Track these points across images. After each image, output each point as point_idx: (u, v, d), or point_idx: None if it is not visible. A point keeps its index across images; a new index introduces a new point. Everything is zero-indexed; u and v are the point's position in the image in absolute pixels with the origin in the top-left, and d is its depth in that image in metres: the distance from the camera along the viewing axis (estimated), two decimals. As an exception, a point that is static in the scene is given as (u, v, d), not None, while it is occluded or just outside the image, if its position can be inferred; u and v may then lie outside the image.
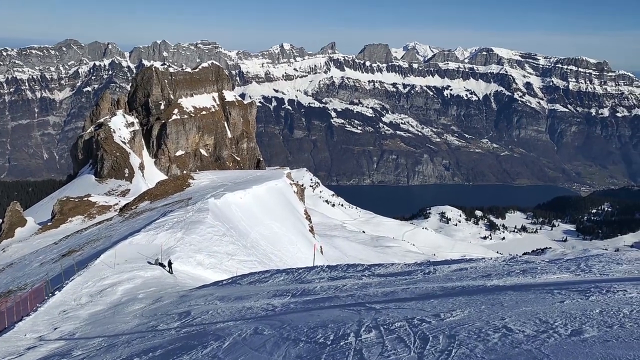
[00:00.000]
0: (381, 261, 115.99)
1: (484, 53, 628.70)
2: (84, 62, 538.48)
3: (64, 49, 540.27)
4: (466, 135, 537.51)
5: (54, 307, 17.22)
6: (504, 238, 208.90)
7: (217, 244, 28.20)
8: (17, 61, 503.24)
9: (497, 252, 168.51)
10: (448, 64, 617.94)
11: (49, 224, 67.18)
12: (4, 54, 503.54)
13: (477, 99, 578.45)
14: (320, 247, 58.19)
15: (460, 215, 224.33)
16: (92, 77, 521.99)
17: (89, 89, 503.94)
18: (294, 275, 13.98)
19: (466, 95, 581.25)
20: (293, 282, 13.02)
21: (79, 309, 16.84)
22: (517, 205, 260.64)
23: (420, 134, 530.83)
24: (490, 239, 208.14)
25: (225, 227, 32.09)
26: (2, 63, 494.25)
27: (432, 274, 12.12)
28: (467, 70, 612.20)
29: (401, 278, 11.64)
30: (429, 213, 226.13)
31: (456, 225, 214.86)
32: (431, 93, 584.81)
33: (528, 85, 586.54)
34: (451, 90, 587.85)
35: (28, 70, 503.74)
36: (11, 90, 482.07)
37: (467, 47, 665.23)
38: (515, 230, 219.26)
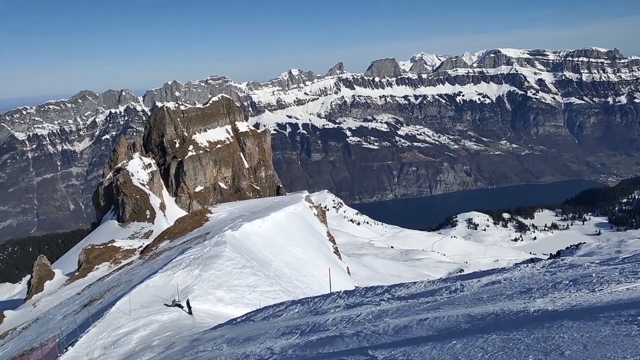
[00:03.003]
0: (413, 275, 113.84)
1: (492, 55, 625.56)
2: (100, 111, 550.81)
3: (80, 100, 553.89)
4: (484, 139, 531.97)
5: (65, 364, 16.37)
6: (535, 238, 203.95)
7: (238, 277, 27.18)
8: (36, 118, 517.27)
9: (530, 253, 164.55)
10: (457, 70, 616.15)
11: (76, 274, 67.05)
12: (24, 112, 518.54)
13: (490, 101, 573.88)
14: (347, 269, 56.74)
15: (488, 220, 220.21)
16: (109, 125, 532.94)
17: (107, 136, 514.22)
18: (309, 306, 12.87)
19: (479, 99, 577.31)
20: (307, 314, 11.92)
21: (89, 364, 15.96)
22: (544, 204, 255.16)
23: (437, 143, 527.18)
24: (522, 240, 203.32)
25: (245, 259, 31.10)
26: (22, 121, 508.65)
27: (459, 292, 10.10)
28: (476, 74, 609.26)
29: (423, 301, 9.98)
30: (456, 221, 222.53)
31: (485, 230, 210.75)
32: (443, 101, 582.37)
33: (540, 81, 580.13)
34: (463, 96, 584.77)
35: (48, 126, 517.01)
36: (33, 146, 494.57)
37: (474, 51, 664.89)
38: (546, 228, 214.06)
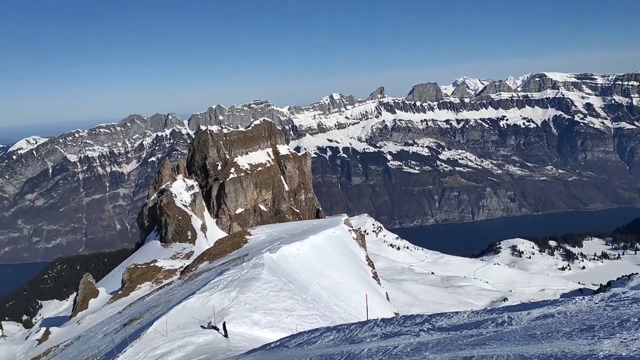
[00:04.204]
0: (454, 302, 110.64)
1: (537, 79, 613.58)
2: (147, 134, 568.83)
3: (129, 124, 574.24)
4: (529, 164, 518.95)
5: (99, 384, 16.41)
6: (584, 267, 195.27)
7: (274, 301, 26.88)
8: (88, 141, 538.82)
9: (579, 283, 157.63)
10: (500, 94, 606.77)
11: (119, 292, 68.20)
12: (77, 135, 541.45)
13: (535, 126, 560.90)
14: (387, 294, 55.55)
15: (533, 247, 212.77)
16: (156, 147, 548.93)
17: (153, 159, 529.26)
18: (345, 334, 12.36)
19: (523, 123, 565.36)
20: (342, 342, 11.40)
21: (123, 385, 15.91)
22: (593, 232, 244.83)
23: (480, 167, 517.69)
24: (569, 269, 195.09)
25: (282, 282, 30.81)
26: (75, 144, 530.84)
27: (507, 325, 9.04)
28: (521, 98, 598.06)
29: (466, 334, 9.09)
30: (499, 247, 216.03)
31: (530, 257, 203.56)
32: (486, 125, 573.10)
33: (588, 106, 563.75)
34: (507, 120, 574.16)
35: (98, 148, 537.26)
36: (84, 168, 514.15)
37: (519, 75, 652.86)
38: (596, 257, 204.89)
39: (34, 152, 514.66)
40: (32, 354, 48.01)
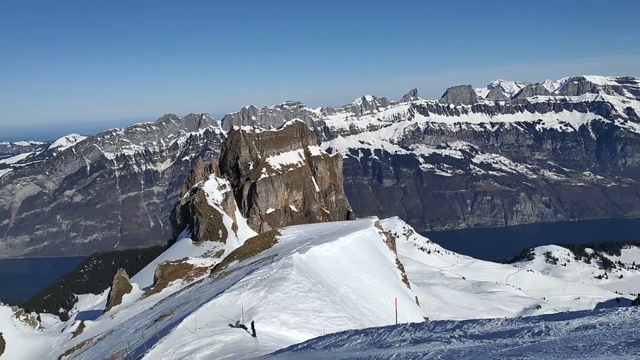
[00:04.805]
0: (486, 308, 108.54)
1: (576, 82, 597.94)
2: (182, 133, 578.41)
3: (164, 123, 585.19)
4: (565, 169, 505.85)
5: (128, 379, 16.62)
6: (621, 276, 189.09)
7: (303, 301, 26.78)
8: (124, 139, 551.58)
9: (616, 292, 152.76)
10: (537, 97, 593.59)
11: (152, 288, 69.24)
12: (114, 134, 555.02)
13: (573, 130, 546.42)
14: (416, 298, 54.86)
15: (569, 254, 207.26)
16: (189, 147, 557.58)
17: (187, 158, 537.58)
18: (373, 337, 12.11)
19: (560, 127, 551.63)
20: (370, 346, 11.16)
21: (151, 381, 16.06)
22: (633, 240, 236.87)
23: (514, 172, 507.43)
24: (606, 277, 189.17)
25: (311, 283, 30.70)
26: (112, 142, 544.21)
27: (545, 335, 8.46)
28: (558, 101, 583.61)
29: (500, 343, 8.53)
30: (533, 254, 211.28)
31: (565, 265, 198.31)
32: (522, 129, 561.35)
33: (629, 110, 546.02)
34: (543, 124, 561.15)
35: (134, 147, 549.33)
36: (120, 166, 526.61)
37: (556, 78, 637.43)
38: (634, 266, 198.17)
39: (73, 149, 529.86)
40: (67, 346, 49.25)
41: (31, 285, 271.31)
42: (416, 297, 54.68)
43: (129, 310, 56.69)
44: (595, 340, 7.48)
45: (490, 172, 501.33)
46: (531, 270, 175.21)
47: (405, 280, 53.48)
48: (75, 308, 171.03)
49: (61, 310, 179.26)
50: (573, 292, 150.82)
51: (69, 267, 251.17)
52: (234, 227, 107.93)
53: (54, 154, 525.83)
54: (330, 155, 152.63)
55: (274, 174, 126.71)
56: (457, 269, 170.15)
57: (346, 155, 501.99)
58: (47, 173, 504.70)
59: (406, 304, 43.01)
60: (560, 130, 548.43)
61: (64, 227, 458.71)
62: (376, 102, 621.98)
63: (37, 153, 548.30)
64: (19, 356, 51.90)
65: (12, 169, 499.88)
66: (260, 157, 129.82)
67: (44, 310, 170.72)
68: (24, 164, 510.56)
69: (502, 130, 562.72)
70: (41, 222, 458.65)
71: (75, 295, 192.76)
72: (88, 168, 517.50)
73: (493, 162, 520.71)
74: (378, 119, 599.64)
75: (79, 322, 63.53)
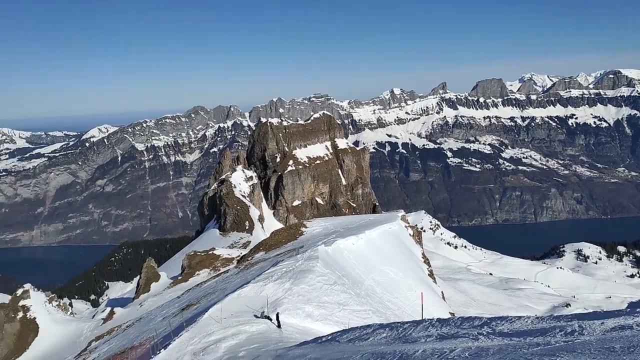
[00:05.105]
0: (513, 305, 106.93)
1: (611, 76, 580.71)
2: (210, 125, 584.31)
3: (193, 115, 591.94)
4: (598, 165, 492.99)
5: (155, 367, 16.82)
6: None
7: (328, 294, 26.76)
8: (154, 130, 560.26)
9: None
10: (570, 91, 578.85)
11: (179, 278, 70.33)
12: (144, 125, 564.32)
13: (607, 125, 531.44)
14: (442, 293, 54.33)
15: (600, 252, 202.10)
16: (218, 139, 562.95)
17: (215, 149, 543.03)
18: (398, 332, 11.94)
19: (594, 122, 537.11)
20: (395, 341, 11.00)
21: (177, 369, 16.26)
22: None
23: (545, 167, 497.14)
24: (639, 276, 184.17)
25: (336, 275, 30.65)
26: (142, 133, 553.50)
27: (579, 335, 8.09)
28: (592, 96, 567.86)
29: (531, 341, 8.14)
30: (563, 251, 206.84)
31: (596, 263, 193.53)
32: (554, 124, 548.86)
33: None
34: (576, 118, 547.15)
35: (164, 138, 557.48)
36: (150, 157, 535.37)
37: (590, 72, 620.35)
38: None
39: (105, 140, 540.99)
40: (97, 332, 50.47)
41: (64, 272, 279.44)
42: (442, 292, 54.18)
43: (157, 299, 57.66)
44: (634, 342, 7.14)
45: (520, 167, 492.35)
46: (561, 268, 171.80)
47: (431, 275, 53.02)
48: (106, 295, 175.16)
49: (92, 297, 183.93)
50: (604, 291, 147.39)
51: (101, 255, 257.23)
52: (261, 219, 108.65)
53: (87, 144, 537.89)
54: (357, 148, 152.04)
55: (300, 167, 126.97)
56: (484, 265, 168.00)
57: (373, 148, 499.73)
58: (80, 163, 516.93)
59: (432, 299, 42.64)
60: (594, 125, 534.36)
61: (96, 216, 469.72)
62: (404, 95, 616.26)
63: (71, 143, 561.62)
64: (52, 340, 53.45)
65: (46, 159, 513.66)
66: (287, 150, 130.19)
67: (76, 297, 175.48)
68: (58, 154, 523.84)
69: (533, 124, 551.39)
70: (74, 211, 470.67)
71: (106, 282, 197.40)
72: (119, 158, 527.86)
73: (523, 157, 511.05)
74: (406, 112, 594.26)
75: (109, 309, 65.05)
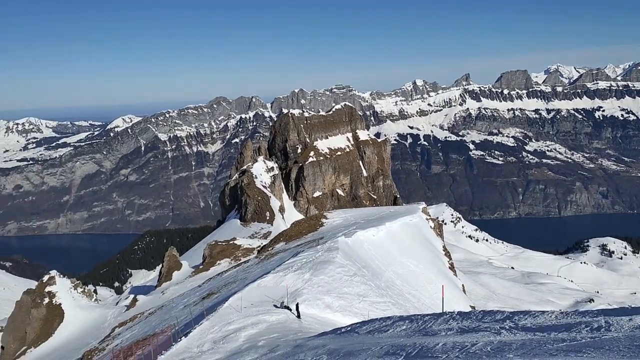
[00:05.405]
0: (535, 299, 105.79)
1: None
2: (232, 116, 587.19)
3: (215, 106, 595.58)
4: (625, 159, 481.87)
5: (176, 354, 17.06)
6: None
7: (347, 285, 26.75)
8: (177, 121, 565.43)
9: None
10: (598, 83, 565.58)
11: (200, 267, 71.14)
12: (167, 115, 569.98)
13: (635, 118, 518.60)
14: (463, 286, 53.89)
15: (626, 248, 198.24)
16: (239, 129, 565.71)
17: (236, 140, 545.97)
18: (418, 324, 11.85)
19: (622, 115, 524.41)
20: (415, 333, 10.92)
21: (198, 357, 16.44)
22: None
23: (570, 160, 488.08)
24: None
25: (356, 267, 30.62)
26: (165, 124, 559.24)
27: (606, 331, 7.80)
28: (620, 88, 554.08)
29: (556, 337, 7.90)
30: (588, 246, 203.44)
31: (621, 258, 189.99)
32: (580, 116, 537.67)
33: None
34: (603, 111, 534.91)
35: (186, 128, 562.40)
36: (173, 147, 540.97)
37: (619, 63, 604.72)
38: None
39: (129, 130, 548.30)
40: (121, 318, 51.40)
41: (89, 259, 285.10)
42: (463, 285, 53.77)
43: (178, 287, 58.42)
44: (664, 340, 6.70)
45: (544, 161, 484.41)
46: (585, 263, 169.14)
47: (452, 267, 52.63)
48: (129, 283, 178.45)
49: (116, 284, 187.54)
50: (629, 286, 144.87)
51: (124, 243, 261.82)
52: (281, 210, 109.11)
53: (111, 134, 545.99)
54: (379, 140, 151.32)
55: (321, 158, 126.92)
56: (506, 259, 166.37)
57: (395, 140, 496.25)
58: (104, 152, 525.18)
59: (453, 292, 42.33)
60: (622, 118, 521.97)
61: (120, 205, 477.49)
62: (427, 86, 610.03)
63: (96, 133, 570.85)
64: (77, 326, 54.62)
65: (72, 148, 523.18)
66: (308, 141, 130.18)
67: (100, 284, 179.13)
68: (84, 143, 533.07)
69: (558, 117, 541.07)
70: (99, 200, 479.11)
71: (130, 270, 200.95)
72: (142, 148, 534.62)
73: (547, 150, 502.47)
74: (428, 104, 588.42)
75: (132, 296, 66.19)
